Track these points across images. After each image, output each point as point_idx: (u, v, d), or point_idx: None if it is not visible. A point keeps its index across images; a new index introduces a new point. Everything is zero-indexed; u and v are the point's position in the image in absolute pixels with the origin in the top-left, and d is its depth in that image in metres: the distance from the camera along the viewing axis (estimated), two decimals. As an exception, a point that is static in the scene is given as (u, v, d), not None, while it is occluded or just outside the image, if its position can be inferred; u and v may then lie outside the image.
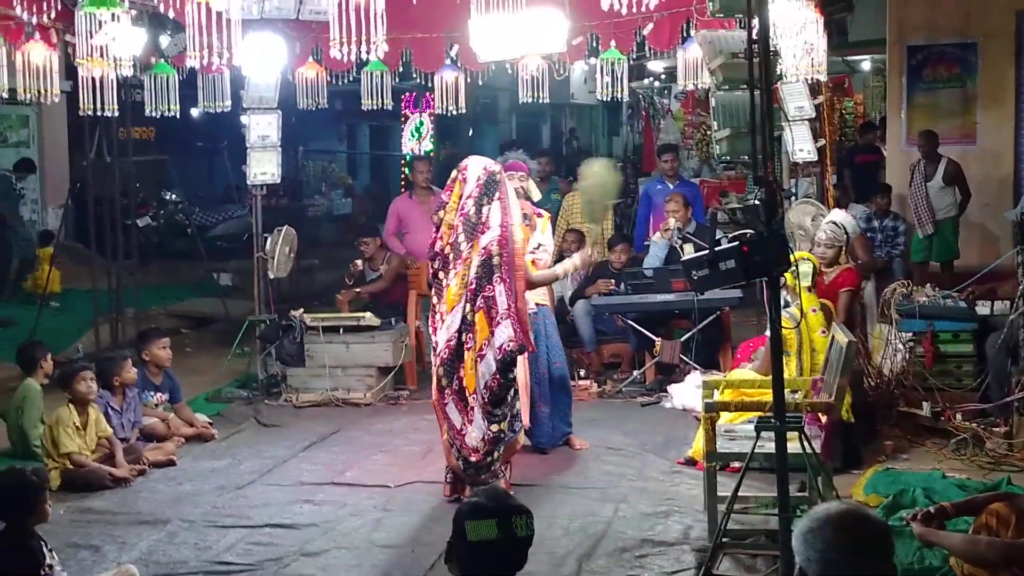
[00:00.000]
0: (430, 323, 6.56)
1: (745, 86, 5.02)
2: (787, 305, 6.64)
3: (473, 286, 6.17)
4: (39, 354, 7.91)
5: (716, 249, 4.77)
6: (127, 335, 10.52)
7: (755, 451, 5.16)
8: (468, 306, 6.18)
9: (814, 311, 6.80)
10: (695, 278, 4.96)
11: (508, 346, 6.01)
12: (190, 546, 5.79)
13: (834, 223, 7.53)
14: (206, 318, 13.46)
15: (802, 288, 6.76)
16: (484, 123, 24.75)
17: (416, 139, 16.12)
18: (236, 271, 14.79)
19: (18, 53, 7.75)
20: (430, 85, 9.91)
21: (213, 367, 10.42)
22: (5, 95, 8.04)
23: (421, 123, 15.18)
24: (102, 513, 6.41)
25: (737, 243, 4.72)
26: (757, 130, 4.69)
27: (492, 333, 6.06)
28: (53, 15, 6.72)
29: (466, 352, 6.18)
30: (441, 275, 6.39)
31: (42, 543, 4.81)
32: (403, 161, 11.88)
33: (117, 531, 6.04)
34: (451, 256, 6.35)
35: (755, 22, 4.68)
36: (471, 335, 6.15)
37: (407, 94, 12.60)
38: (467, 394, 6.19)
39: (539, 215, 7.09)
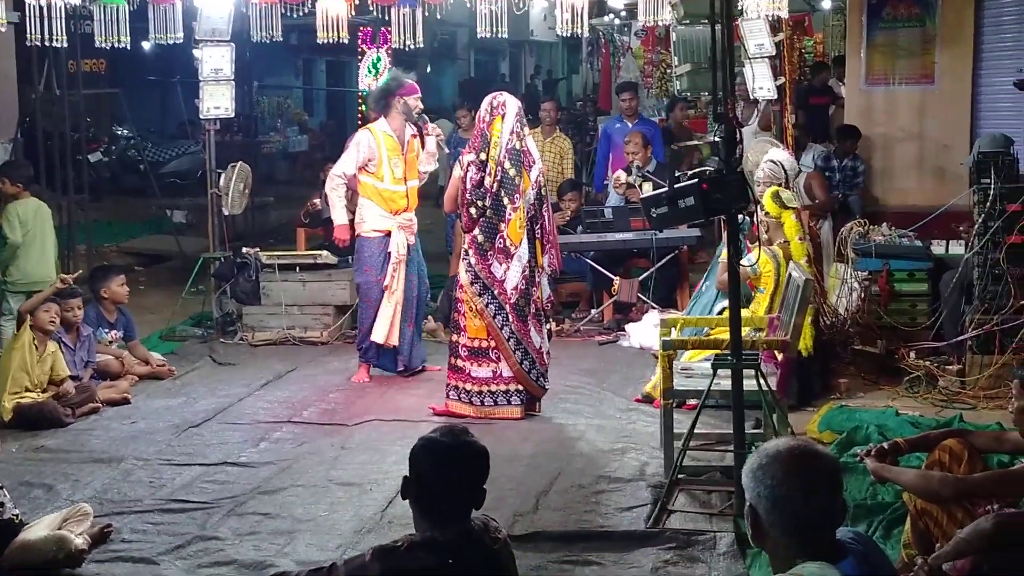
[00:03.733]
0: (470, 257, 6.71)
1: (706, 21, 4.96)
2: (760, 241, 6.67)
3: (530, 216, 6.66)
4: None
5: (675, 186, 4.76)
6: (79, 271, 10.35)
7: (712, 388, 5.19)
8: (528, 238, 6.67)
9: (800, 239, 6.83)
10: (654, 215, 4.95)
11: (551, 269, 6.93)
12: (144, 484, 5.74)
13: (772, 161, 7.49)
14: (159, 255, 13.32)
15: (787, 215, 6.79)
16: (442, 60, 24.50)
17: (373, 75, 15.90)
18: (189, 208, 14.60)
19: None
20: (387, 19, 9.73)
21: (167, 305, 10.29)
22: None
23: (378, 59, 14.97)
24: (55, 451, 6.35)
25: (696, 180, 4.70)
26: (717, 66, 4.66)
27: (544, 259, 6.78)
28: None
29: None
30: (490, 212, 6.64)
31: (-7, 481, 4.76)
32: (360, 97, 11.68)
33: (70, 469, 5.98)
34: (502, 192, 6.59)
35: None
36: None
37: (363, 28, 12.41)
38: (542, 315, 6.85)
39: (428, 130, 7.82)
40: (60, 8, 7.38)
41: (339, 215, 7.82)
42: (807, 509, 2.40)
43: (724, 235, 5.70)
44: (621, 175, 9.29)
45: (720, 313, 6.76)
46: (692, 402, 6.16)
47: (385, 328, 7.62)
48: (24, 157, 15.07)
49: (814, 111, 12.34)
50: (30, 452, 6.33)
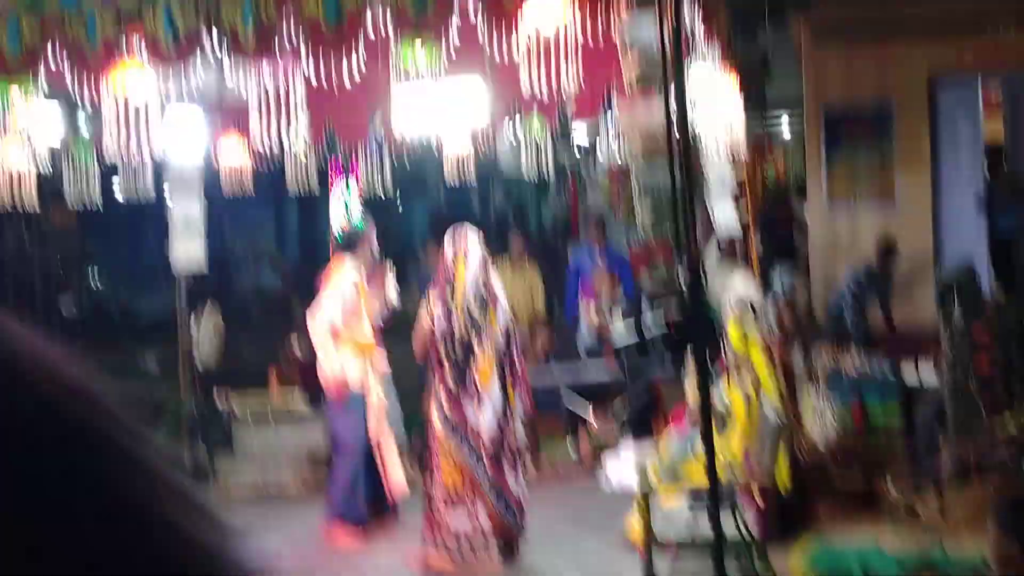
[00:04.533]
0: (443, 404, 6.64)
1: (664, 162, 5.04)
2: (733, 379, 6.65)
3: (501, 356, 6.65)
4: None
5: (645, 340, 4.79)
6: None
7: (692, 530, 5.14)
8: (499, 379, 6.64)
9: (770, 374, 6.80)
10: (622, 348, 4.97)
11: (524, 410, 6.82)
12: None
13: (739, 295, 7.49)
14: (130, 403, 13.14)
15: (754, 350, 6.76)
16: (411, 195, 24.73)
17: (347, 215, 15.94)
18: (160, 353, 14.49)
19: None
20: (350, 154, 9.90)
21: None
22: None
23: (349, 190, 14.96)
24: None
25: (665, 332, 4.73)
26: (679, 211, 4.72)
27: (516, 400, 6.72)
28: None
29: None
30: (459, 356, 6.61)
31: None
32: (332, 240, 11.75)
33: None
34: (470, 334, 6.54)
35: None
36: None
37: (333, 156, 12.55)
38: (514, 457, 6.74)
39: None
40: (32, 174, 7.38)
41: (336, 365, 7.47)
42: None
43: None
44: (592, 314, 9.32)
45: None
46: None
47: (395, 479, 7.55)
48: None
49: (776, 232, 12.47)
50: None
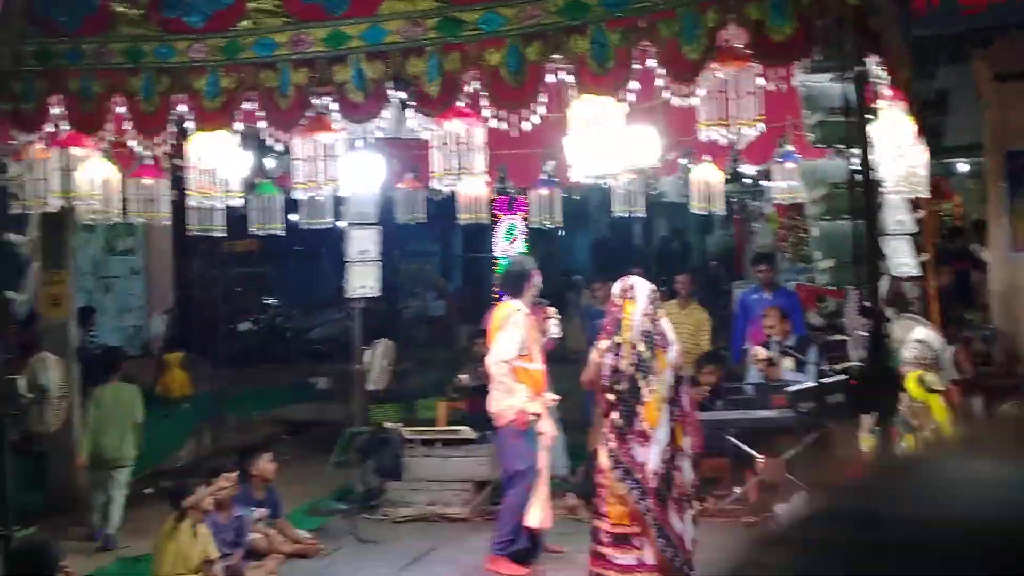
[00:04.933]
0: (610, 441, 6.67)
1: (847, 216, 5.00)
2: (910, 428, 6.49)
3: (669, 397, 6.63)
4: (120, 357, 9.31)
5: (823, 383, 4.72)
6: (227, 442, 10.71)
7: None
8: (667, 418, 6.62)
9: (952, 422, 6.64)
10: (801, 410, 4.91)
11: (693, 451, 6.77)
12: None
13: (919, 341, 7.33)
14: (303, 423, 13.63)
15: (934, 399, 6.61)
16: (575, 224, 24.87)
17: (508, 241, 16.27)
18: (332, 374, 14.98)
19: (129, 180, 8.06)
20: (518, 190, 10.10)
21: (310, 476, 10.50)
22: (117, 218, 8.32)
23: (513, 226, 15.32)
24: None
25: (845, 377, 4.66)
26: (861, 261, 4.67)
27: (683, 439, 6.68)
28: (167, 148, 6.97)
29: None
30: (627, 395, 6.64)
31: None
32: (494, 262, 12.02)
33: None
34: (637, 374, 6.58)
35: (855, 152, 4.68)
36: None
37: (500, 196, 12.83)
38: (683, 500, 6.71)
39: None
40: (222, 206, 7.80)
41: (519, 399, 7.55)
42: None
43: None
44: (760, 351, 9.22)
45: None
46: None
47: (541, 511, 7.61)
48: (179, 328, 15.90)
49: (955, 277, 12.09)
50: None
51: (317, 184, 6.49)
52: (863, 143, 4.87)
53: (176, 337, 14.90)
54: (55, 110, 6.67)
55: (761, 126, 5.54)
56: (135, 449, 8.87)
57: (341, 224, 10.05)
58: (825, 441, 8.83)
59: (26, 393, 6.91)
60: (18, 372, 7.04)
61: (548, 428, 7.77)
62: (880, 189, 5.57)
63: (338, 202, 9.71)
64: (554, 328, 8.13)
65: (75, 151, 6.93)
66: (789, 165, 8.44)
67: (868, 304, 4.68)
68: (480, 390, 8.71)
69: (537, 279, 7.92)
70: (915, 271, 8.28)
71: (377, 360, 9.73)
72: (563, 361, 12.92)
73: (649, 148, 7.37)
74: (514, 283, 7.91)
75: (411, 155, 9.45)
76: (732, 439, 8.99)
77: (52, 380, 6.96)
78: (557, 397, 7.95)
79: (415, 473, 9.24)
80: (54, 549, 5.47)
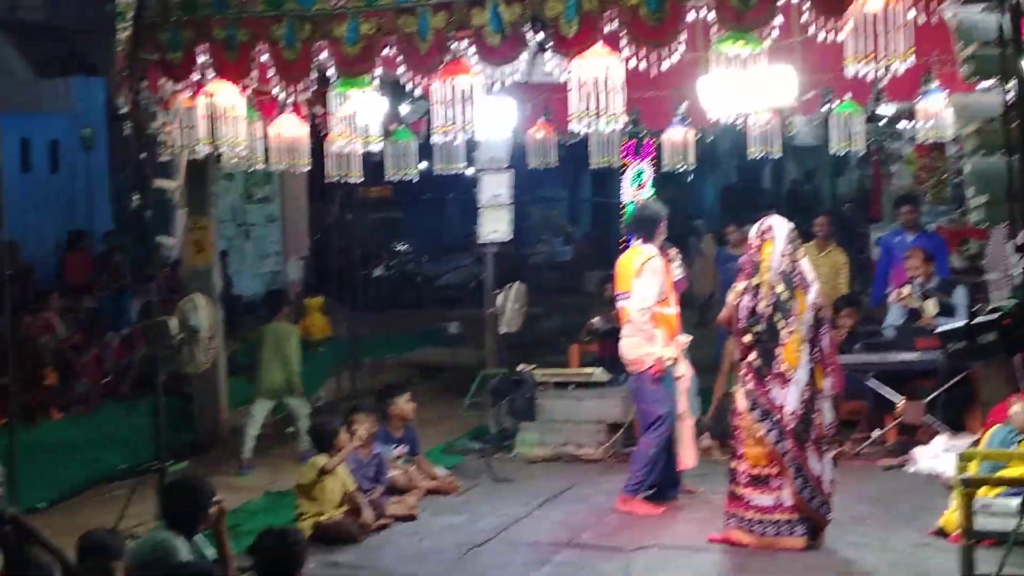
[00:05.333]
0: (748, 383, 6.68)
1: (1001, 151, 4.83)
2: None
3: (809, 338, 6.54)
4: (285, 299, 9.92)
5: (974, 322, 4.61)
6: (363, 384, 10.99)
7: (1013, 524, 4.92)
8: (807, 360, 6.56)
9: None
10: (951, 350, 4.81)
11: (833, 392, 6.68)
12: (437, 607, 5.94)
13: None
14: (435, 367, 13.88)
15: None
16: (704, 167, 24.58)
17: (636, 186, 16.17)
18: (462, 319, 15.21)
19: (271, 126, 8.26)
20: (650, 132, 10.00)
21: (444, 418, 10.71)
22: (261, 165, 8.54)
23: (641, 171, 15.15)
24: (351, 568, 6.68)
25: (997, 315, 4.54)
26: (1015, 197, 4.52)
27: (823, 382, 6.62)
28: (309, 94, 7.11)
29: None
30: (766, 336, 6.61)
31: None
32: (621, 207, 11.96)
33: (366, 587, 6.28)
34: (776, 315, 6.57)
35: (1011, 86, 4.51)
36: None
37: (628, 140, 12.75)
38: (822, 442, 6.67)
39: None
40: (359, 152, 7.93)
41: (658, 346, 7.56)
42: None
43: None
44: (904, 289, 9.02)
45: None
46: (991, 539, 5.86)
47: (689, 451, 7.67)
48: (316, 273, 16.31)
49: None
50: (327, 568, 6.67)
51: (454, 128, 6.54)
52: (1019, 75, 4.68)
53: (311, 283, 15.32)
54: (201, 59, 6.87)
55: (912, 59, 5.36)
56: (299, 381, 9.46)
57: (471, 172, 10.14)
58: (968, 384, 8.65)
59: (177, 334, 7.15)
60: (169, 313, 7.29)
61: (685, 370, 7.77)
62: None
63: (470, 148, 9.78)
64: (677, 270, 8.05)
65: (220, 99, 7.12)
66: (932, 102, 8.17)
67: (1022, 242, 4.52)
68: (611, 334, 8.77)
69: (664, 223, 7.87)
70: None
71: (509, 303, 9.83)
72: (687, 306, 12.90)
73: (787, 86, 7.24)
74: (645, 227, 7.84)
75: (544, 99, 9.45)
76: (872, 384, 8.85)
77: (202, 321, 7.20)
78: (689, 337, 7.91)
79: (548, 415, 9.33)
80: (207, 484, 5.69)
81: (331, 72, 6.73)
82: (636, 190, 16.03)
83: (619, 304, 7.79)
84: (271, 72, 6.78)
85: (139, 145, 7.50)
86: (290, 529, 5.43)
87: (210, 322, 7.34)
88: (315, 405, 10.41)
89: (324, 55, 6.62)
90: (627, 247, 8.05)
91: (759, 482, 6.64)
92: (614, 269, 7.98)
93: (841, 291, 10.21)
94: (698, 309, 14.34)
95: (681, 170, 10.07)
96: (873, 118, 14.08)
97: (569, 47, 5.97)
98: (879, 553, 6.47)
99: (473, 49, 6.25)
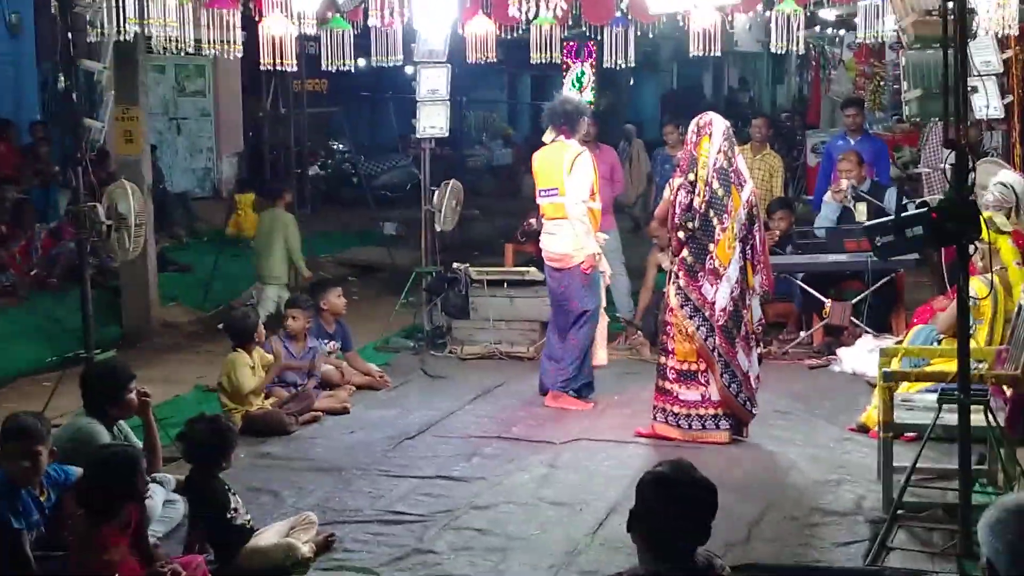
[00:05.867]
0: (679, 279, 6.69)
1: (937, 44, 4.81)
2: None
3: (741, 236, 6.58)
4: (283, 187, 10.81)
5: (903, 215, 4.64)
6: (299, 282, 10.88)
7: (932, 419, 5.02)
8: (739, 258, 6.61)
9: (1018, 264, 6.52)
10: (878, 244, 4.84)
11: (762, 290, 6.85)
12: (364, 494, 5.97)
13: (1002, 184, 7.15)
14: (372, 266, 13.80)
15: (1003, 240, 6.48)
16: (644, 72, 24.45)
17: (577, 88, 16.07)
18: (400, 220, 15.09)
19: (203, 10, 7.99)
20: (590, 34, 9.86)
21: (379, 316, 10.67)
22: (191, 49, 8.28)
23: (582, 72, 15.02)
24: (280, 459, 6.67)
25: (926, 209, 4.57)
26: (950, 91, 4.52)
27: (754, 280, 6.71)
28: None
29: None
30: (699, 232, 6.62)
31: (226, 487, 5.05)
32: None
33: (294, 477, 6.28)
34: (711, 212, 6.58)
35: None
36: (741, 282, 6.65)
37: (569, 43, 12.54)
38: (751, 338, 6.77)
39: None
40: (292, 35, 7.73)
41: (592, 243, 7.56)
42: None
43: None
44: (843, 183, 9.08)
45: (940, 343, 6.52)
46: (910, 433, 6.01)
47: (602, 350, 7.73)
48: (249, 170, 16.02)
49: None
50: (257, 459, 6.66)
51: (390, 16, 6.38)
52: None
53: (246, 179, 15.04)
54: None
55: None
56: (287, 268, 10.28)
57: (409, 70, 9.93)
58: (894, 287, 8.78)
59: (105, 220, 6.98)
60: (98, 201, 7.10)
61: (606, 267, 7.80)
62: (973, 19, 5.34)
63: (408, 41, 9.57)
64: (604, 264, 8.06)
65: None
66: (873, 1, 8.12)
67: (952, 138, 4.53)
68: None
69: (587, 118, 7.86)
70: (1000, 112, 8.04)
71: (445, 201, 9.74)
72: (620, 211, 12.91)
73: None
74: (568, 121, 7.70)
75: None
76: (800, 283, 8.96)
77: (131, 208, 7.02)
78: (606, 236, 7.93)
79: (482, 313, 9.33)
80: (124, 367, 5.62)
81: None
82: (577, 93, 15.85)
83: (543, 200, 7.73)
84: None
85: (66, 25, 7.22)
86: (220, 416, 5.40)
87: (139, 210, 7.16)
88: (247, 302, 10.30)
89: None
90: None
91: (687, 377, 6.72)
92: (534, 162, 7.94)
93: (776, 195, 10.27)
94: (631, 216, 14.37)
95: (620, 68, 9.94)
96: (813, 22, 14.04)
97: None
98: (801, 447, 6.60)
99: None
